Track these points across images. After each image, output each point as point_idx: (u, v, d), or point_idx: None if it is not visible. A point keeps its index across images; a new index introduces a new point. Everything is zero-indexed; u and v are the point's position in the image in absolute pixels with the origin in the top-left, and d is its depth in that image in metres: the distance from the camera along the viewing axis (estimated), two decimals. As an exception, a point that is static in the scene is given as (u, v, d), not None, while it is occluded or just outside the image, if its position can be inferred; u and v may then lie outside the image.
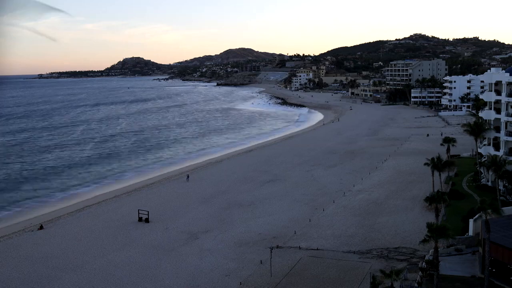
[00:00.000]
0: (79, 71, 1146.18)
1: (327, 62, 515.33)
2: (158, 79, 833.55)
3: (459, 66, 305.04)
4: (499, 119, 69.54)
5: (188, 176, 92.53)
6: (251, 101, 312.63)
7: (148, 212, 66.75)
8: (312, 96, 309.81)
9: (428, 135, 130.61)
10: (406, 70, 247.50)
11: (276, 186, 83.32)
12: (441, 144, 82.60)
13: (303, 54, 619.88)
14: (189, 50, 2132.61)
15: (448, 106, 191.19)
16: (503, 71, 73.57)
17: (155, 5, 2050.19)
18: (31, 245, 58.65)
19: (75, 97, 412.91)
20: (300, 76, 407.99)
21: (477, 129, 72.98)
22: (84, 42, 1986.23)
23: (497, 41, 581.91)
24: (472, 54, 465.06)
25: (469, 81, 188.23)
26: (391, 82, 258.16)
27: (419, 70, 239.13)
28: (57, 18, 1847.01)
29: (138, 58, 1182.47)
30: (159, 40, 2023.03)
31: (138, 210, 67.77)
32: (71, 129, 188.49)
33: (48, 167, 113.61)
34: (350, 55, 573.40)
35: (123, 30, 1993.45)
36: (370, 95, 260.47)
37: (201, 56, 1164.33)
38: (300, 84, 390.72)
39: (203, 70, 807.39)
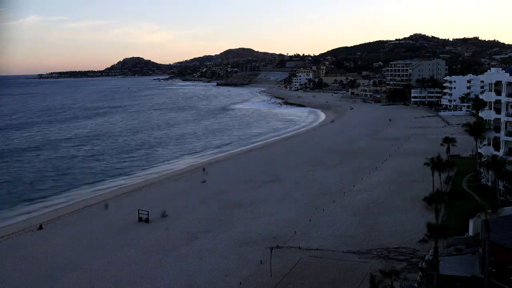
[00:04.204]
0: (79, 71, 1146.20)
1: (327, 62, 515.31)
2: (158, 79, 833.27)
3: (459, 66, 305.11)
4: (499, 119, 69.53)
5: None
6: (250, 101, 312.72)
7: (148, 212, 66.76)
8: (312, 96, 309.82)
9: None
10: (406, 70, 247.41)
11: (276, 186, 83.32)
12: (441, 144, 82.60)
13: (303, 54, 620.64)
14: (189, 50, 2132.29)
15: (448, 106, 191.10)
16: (503, 71, 73.54)
17: (153, 4, 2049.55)
18: (31, 245, 58.65)
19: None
20: (300, 76, 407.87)
21: (477, 129, 73.02)
22: (82, 42, 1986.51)
23: (497, 41, 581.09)
24: (472, 54, 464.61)
25: (469, 81, 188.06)
26: (391, 82, 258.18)
27: (419, 70, 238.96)
28: (37, 17, 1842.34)
29: (138, 58, 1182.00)
30: (159, 40, 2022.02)
31: (138, 210, 67.76)
32: (72, 128, 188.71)
33: (48, 167, 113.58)
34: (350, 55, 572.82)
35: (116, 29, 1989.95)
36: (370, 95, 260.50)
37: (201, 56, 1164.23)
38: (300, 84, 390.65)
39: (203, 70, 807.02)
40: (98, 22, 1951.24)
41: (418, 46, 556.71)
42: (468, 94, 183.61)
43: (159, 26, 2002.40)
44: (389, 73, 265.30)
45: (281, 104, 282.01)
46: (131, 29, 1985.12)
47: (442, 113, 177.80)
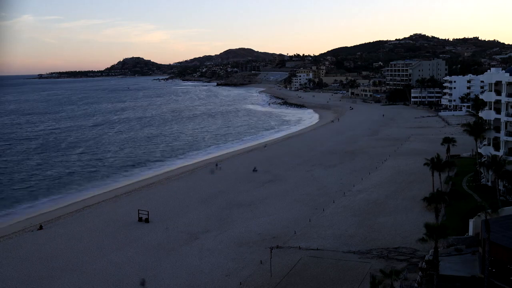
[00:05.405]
0: (79, 71, 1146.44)
1: (327, 62, 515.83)
2: (158, 79, 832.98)
3: (459, 66, 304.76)
4: (499, 119, 69.53)
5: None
6: (250, 101, 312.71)
7: (148, 212, 66.74)
8: (312, 96, 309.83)
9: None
10: (406, 70, 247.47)
11: (276, 186, 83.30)
12: (441, 144, 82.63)
13: (303, 54, 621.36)
14: (189, 50, 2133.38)
15: (448, 106, 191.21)
16: (503, 71, 73.53)
17: (153, 4, 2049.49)
18: (31, 245, 58.63)
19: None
20: (300, 76, 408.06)
21: (477, 129, 72.99)
22: (82, 42, 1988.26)
23: (497, 41, 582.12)
24: (472, 54, 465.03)
25: (469, 81, 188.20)
26: (391, 82, 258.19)
27: (419, 70, 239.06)
28: (31, 17, 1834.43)
29: (138, 58, 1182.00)
30: (159, 40, 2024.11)
31: (138, 210, 67.75)
32: (72, 130, 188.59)
33: (48, 167, 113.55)
34: (350, 55, 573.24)
35: (115, 29, 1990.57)
36: (370, 95, 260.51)
37: (201, 56, 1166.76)
38: (300, 84, 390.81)
39: (203, 70, 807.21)
40: (97, 21, 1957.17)
41: (418, 46, 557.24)
42: (468, 94, 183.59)
43: (159, 26, 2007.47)
44: (389, 73, 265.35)
45: (281, 104, 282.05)
46: (131, 29, 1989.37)
47: (442, 113, 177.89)
